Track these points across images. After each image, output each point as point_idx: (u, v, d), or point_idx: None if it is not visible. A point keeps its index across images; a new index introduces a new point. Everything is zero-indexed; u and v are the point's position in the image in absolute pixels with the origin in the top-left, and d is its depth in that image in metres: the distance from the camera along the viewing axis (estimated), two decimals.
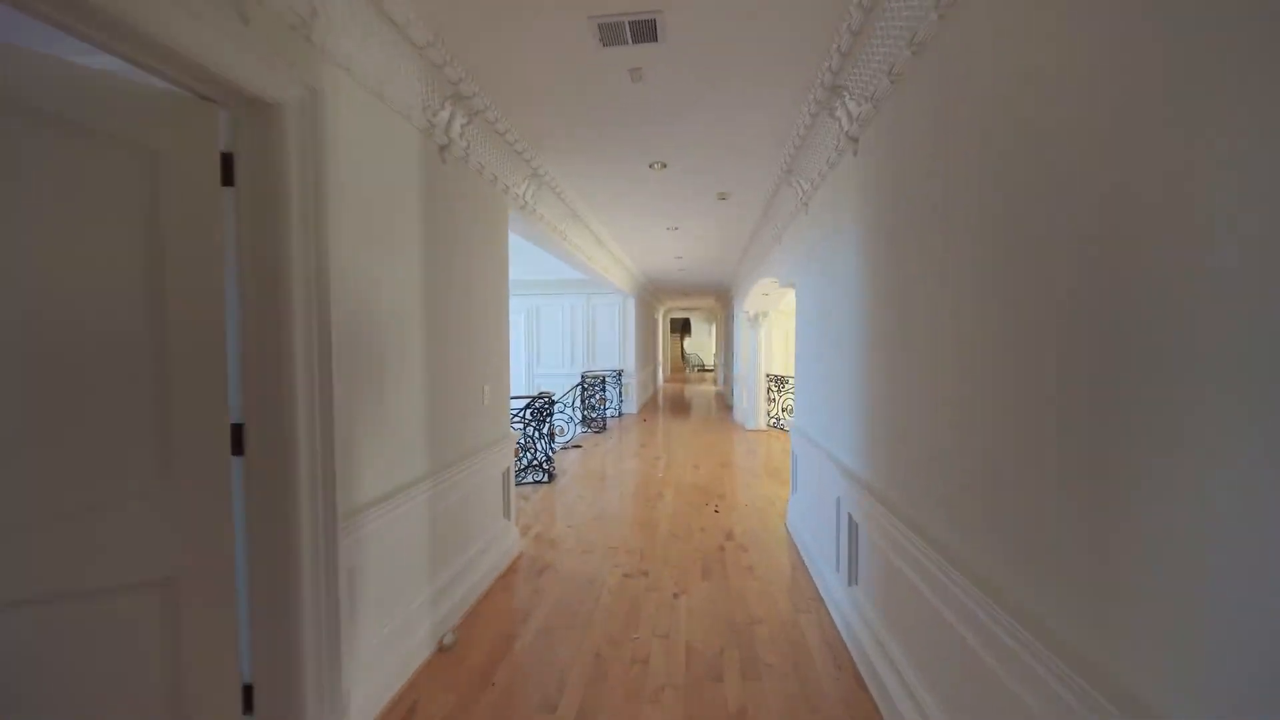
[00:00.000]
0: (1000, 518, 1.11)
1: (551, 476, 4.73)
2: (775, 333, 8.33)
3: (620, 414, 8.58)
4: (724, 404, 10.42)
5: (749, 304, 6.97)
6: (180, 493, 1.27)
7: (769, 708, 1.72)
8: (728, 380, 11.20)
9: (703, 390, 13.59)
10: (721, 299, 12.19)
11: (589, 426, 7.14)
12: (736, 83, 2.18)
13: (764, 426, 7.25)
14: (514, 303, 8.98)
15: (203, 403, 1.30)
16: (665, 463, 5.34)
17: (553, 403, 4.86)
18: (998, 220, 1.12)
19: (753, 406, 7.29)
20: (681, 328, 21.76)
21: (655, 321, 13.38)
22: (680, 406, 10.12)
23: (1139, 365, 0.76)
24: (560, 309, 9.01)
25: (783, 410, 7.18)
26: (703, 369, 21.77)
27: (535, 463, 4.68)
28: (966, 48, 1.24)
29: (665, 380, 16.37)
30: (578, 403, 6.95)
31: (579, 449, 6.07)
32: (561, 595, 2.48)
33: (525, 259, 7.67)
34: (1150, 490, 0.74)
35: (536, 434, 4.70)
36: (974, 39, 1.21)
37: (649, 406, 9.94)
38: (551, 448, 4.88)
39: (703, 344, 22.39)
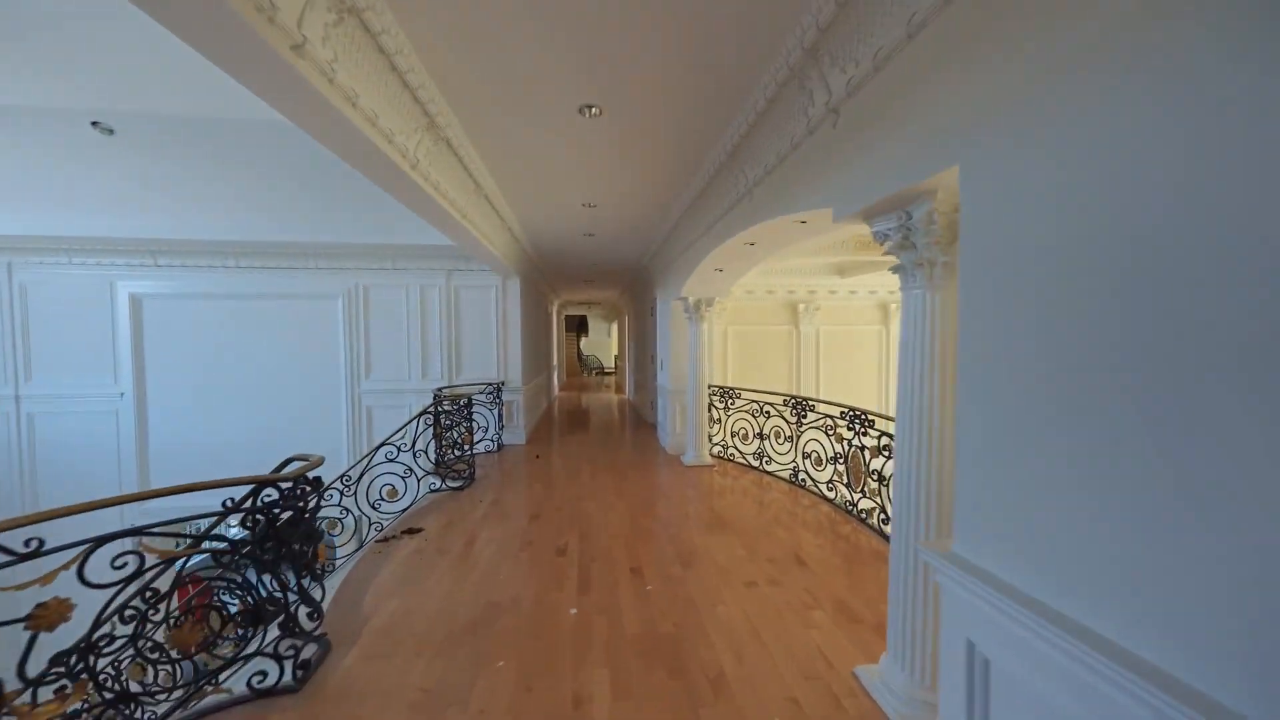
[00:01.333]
0: None
1: (301, 663, 1.94)
2: (724, 330, 6.30)
3: (500, 446, 5.86)
4: (639, 418, 8.23)
5: (690, 288, 4.81)
6: None
7: None
8: (641, 389, 9.04)
9: (606, 400, 11.28)
10: (631, 289, 10.00)
11: (446, 478, 4.36)
12: None
13: (709, 459, 5.15)
14: (319, 278, 5.73)
15: None
16: (578, 569, 2.87)
17: (304, 486, 2.06)
18: None
19: (693, 430, 5.15)
20: (578, 326, 19.23)
21: (550, 316, 10.72)
22: (585, 424, 7.67)
23: None
24: (402, 292, 5.97)
25: (731, 435, 5.17)
26: (602, 372, 19.50)
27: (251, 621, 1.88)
28: None
29: (560, 388, 13.73)
30: (425, 440, 4.14)
31: (413, 536, 3.31)
32: None
33: (341, 201, 4.67)
34: None
35: (272, 551, 1.91)
36: None
37: (542, 429, 7.31)
38: (314, 576, 2.12)
39: (601, 344, 20.13)
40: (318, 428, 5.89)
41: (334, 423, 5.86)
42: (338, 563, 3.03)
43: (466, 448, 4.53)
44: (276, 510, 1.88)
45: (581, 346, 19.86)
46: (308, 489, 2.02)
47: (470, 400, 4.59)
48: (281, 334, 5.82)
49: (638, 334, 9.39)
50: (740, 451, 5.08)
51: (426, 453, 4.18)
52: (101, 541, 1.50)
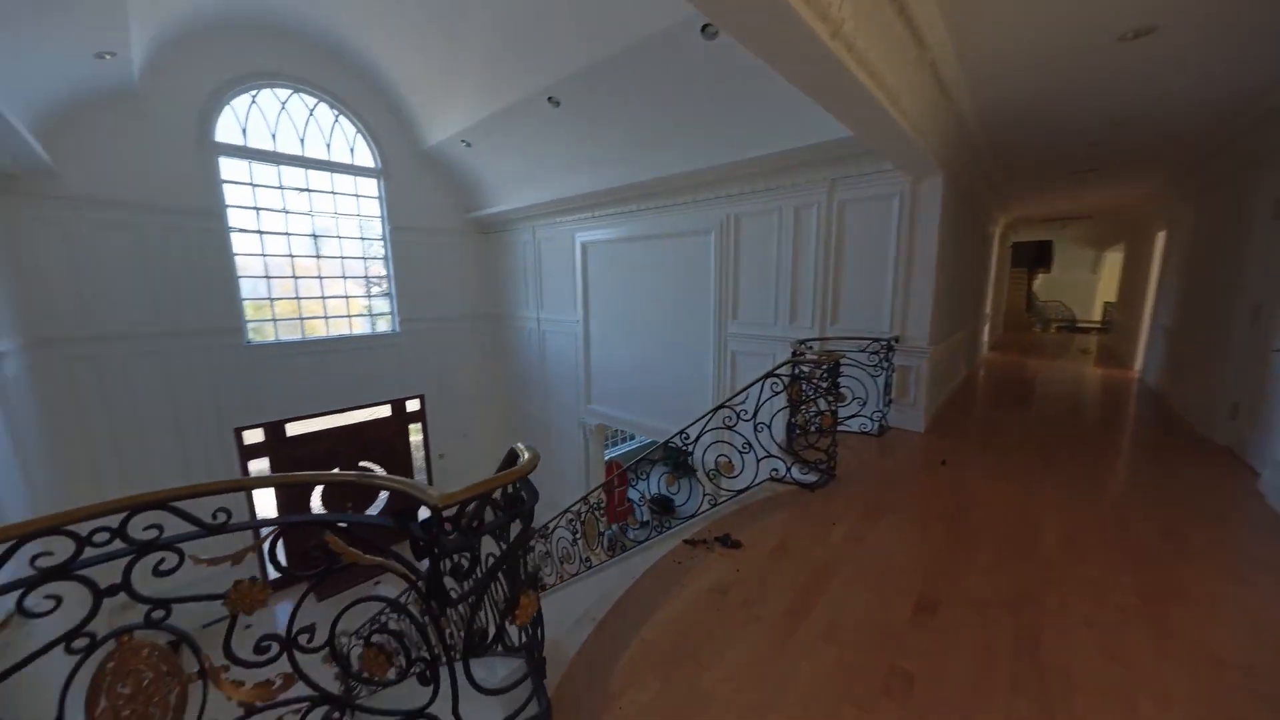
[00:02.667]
0: None
1: None
2: None
3: (883, 429, 4.13)
4: (1175, 423, 4.30)
5: None
6: None
7: None
8: (1197, 368, 4.73)
9: (1085, 376, 6.91)
10: (1192, 177, 5.26)
11: (792, 465, 3.20)
12: None
13: None
14: (695, 213, 5.41)
15: None
16: None
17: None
18: None
19: None
20: (1033, 258, 13.20)
21: (988, 241, 7.28)
22: (1040, 417, 4.65)
23: None
24: (774, 218, 4.89)
25: None
26: (1072, 326, 12.95)
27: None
28: None
29: (991, 347, 9.74)
30: (772, 410, 3.07)
31: (727, 551, 2.34)
32: None
33: (712, 124, 4.07)
34: None
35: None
36: None
37: (953, 412, 4.90)
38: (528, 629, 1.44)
39: (1071, 284, 13.24)
40: (689, 366, 5.92)
41: (702, 364, 5.72)
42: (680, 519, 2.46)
43: (824, 429, 3.15)
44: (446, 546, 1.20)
45: (1035, 288, 13.72)
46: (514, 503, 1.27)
47: (837, 363, 3.11)
48: (666, 272, 6.02)
49: (1208, 256, 4.85)
50: None
51: (770, 427, 3.10)
52: (289, 526, 1.20)
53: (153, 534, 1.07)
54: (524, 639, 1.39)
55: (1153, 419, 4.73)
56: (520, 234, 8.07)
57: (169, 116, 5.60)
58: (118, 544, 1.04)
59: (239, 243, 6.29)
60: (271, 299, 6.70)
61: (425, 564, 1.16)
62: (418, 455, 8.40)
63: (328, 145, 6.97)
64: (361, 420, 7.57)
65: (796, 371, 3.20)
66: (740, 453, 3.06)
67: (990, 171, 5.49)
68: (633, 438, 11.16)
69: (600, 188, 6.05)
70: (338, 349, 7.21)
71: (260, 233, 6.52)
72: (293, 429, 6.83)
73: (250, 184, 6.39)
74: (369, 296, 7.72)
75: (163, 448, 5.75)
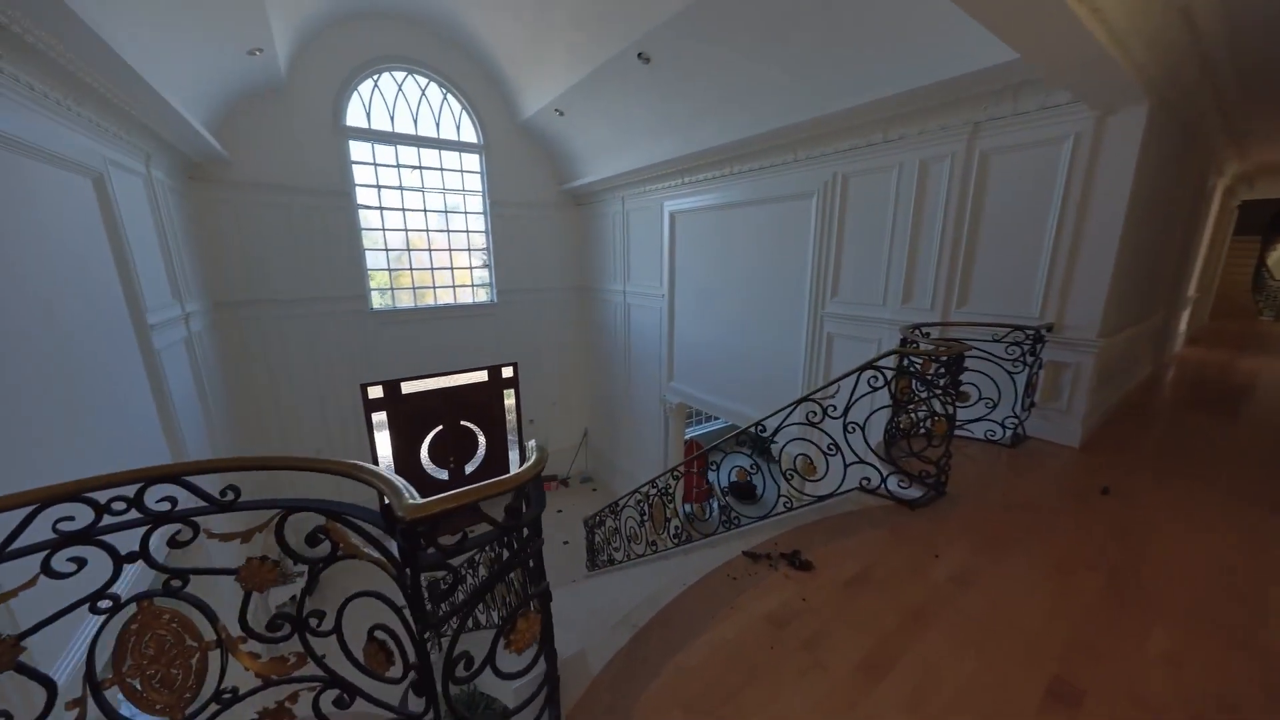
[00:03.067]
0: None
1: None
2: None
3: (1018, 438, 3.33)
4: None
5: None
6: None
7: None
8: None
9: None
10: None
11: (891, 474, 2.68)
12: None
13: None
14: (796, 174, 4.82)
15: None
16: None
17: None
18: None
19: None
20: (1270, 223, 9.94)
21: (1204, 197, 5.48)
22: (1273, 451, 3.41)
23: None
24: (891, 175, 4.10)
25: None
26: None
27: None
28: None
29: (1189, 339, 7.59)
30: (867, 409, 2.57)
31: (793, 573, 1.99)
32: None
33: (817, 68, 3.56)
34: None
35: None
36: None
37: (1128, 422, 3.80)
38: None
39: None
40: (777, 348, 5.39)
41: (792, 347, 5.16)
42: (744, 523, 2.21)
43: (936, 437, 2.57)
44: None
45: (1271, 263, 10.41)
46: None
47: (961, 356, 2.48)
48: (756, 243, 5.47)
49: None
50: None
51: (863, 428, 2.61)
52: (292, 510, 1.15)
53: (165, 506, 1.08)
54: (531, 663, 1.23)
55: None
56: (610, 204, 7.94)
57: (311, 105, 6.28)
58: (133, 513, 1.06)
59: (364, 218, 7.00)
60: (390, 269, 7.42)
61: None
62: (510, 419, 8.95)
63: (437, 124, 7.39)
64: (463, 384, 8.21)
65: (906, 364, 2.63)
66: (826, 454, 2.63)
67: (1226, 99, 4.02)
68: (716, 418, 10.80)
69: (691, 150, 5.61)
70: (444, 316, 7.82)
71: (381, 209, 7.18)
72: (406, 387, 7.62)
73: (373, 164, 7.02)
74: (471, 268, 8.22)
75: (306, 397, 6.76)
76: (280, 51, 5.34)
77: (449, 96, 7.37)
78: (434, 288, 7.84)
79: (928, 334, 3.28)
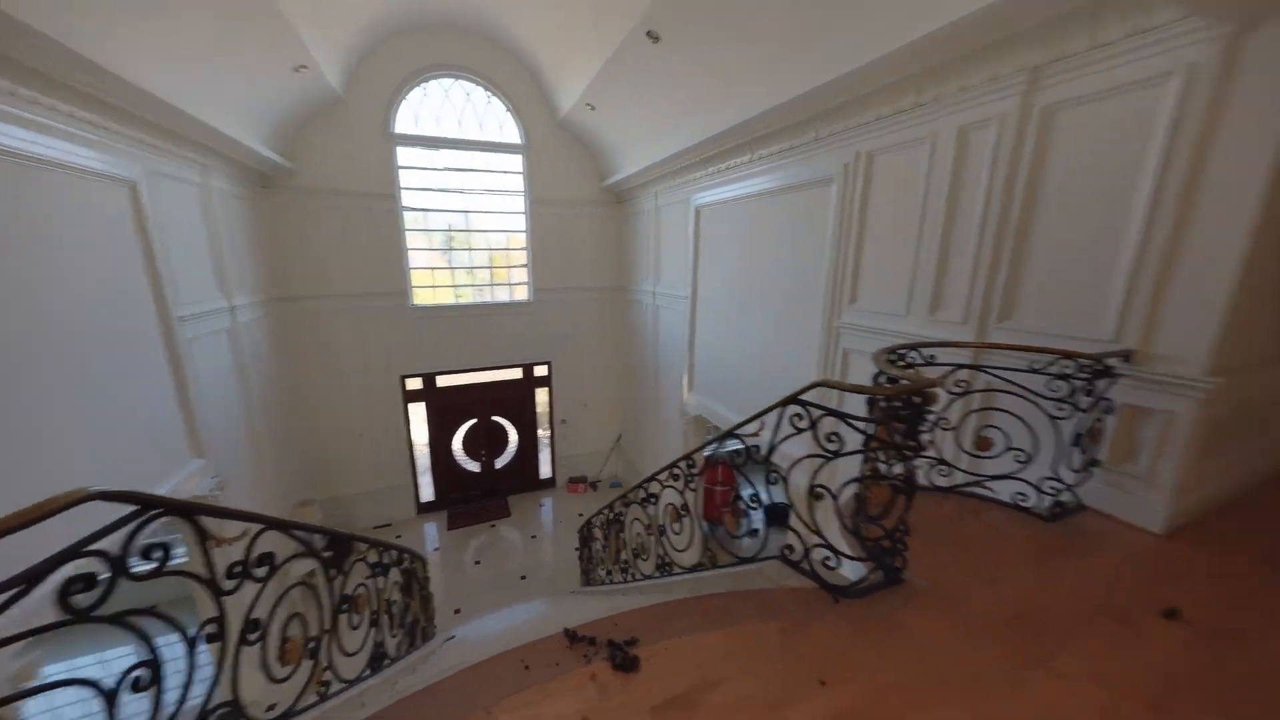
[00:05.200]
0: None
1: None
2: None
3: (1058, 511, 2.36)
4: None
5: None
6: None
7: None
8: None
9: None
10: None
11: (823, 557, 2.00)
12: None
13: None
14: (816, 156, 4.13)
15: None
16: None
17: None
18: None
19: None
20: None
21: None
22: None
23: None
24: (926, 147, 3.20)
25: None
26: None
27: None
28: None
29: None
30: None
31: (616, 675, 1.50)
32: None
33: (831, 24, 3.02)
34: None
35: None
36: None
37: (1250, 501, 2.54)
38: None
39: None
40: (787, 361, 4.62)
41: (803, 360, 4.37)
42: None
43: (877, 510, 1.83)
44: None
45: None
46: None
47: (923, 401, 1.73)
48: (773, 239, 4.73)
49: None
50: None
51: (786, 477, 1.97)
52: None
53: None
54: None
55: None
56: (644, 201, 7.55)
57: (366, 115, 6.77)
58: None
59: (409, 218, 7.42)
60: (432, 268, 7.79)
61: None
62: (542, 417, 9.00)
63: (480, 125, 7.57)
64: (497, 380, 8.40)
65: (884, 402, 1.93)
66: (748, 507, 2.05)
67: None
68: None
69: (712, 133, 5.04)
70: (481, 314, 8.05)
71: (425, 210, 7.55)
72: (442, 380, 7.98)
73: (418, 168, 7.39)
74: (509, 267, 8.35)
75: (352, 384, 7.36)
76: (330, 67, 5.77)
77: (492, 99, 7.51)
78: (473, 286, 8.10)
79: (932, 357, 2.46)
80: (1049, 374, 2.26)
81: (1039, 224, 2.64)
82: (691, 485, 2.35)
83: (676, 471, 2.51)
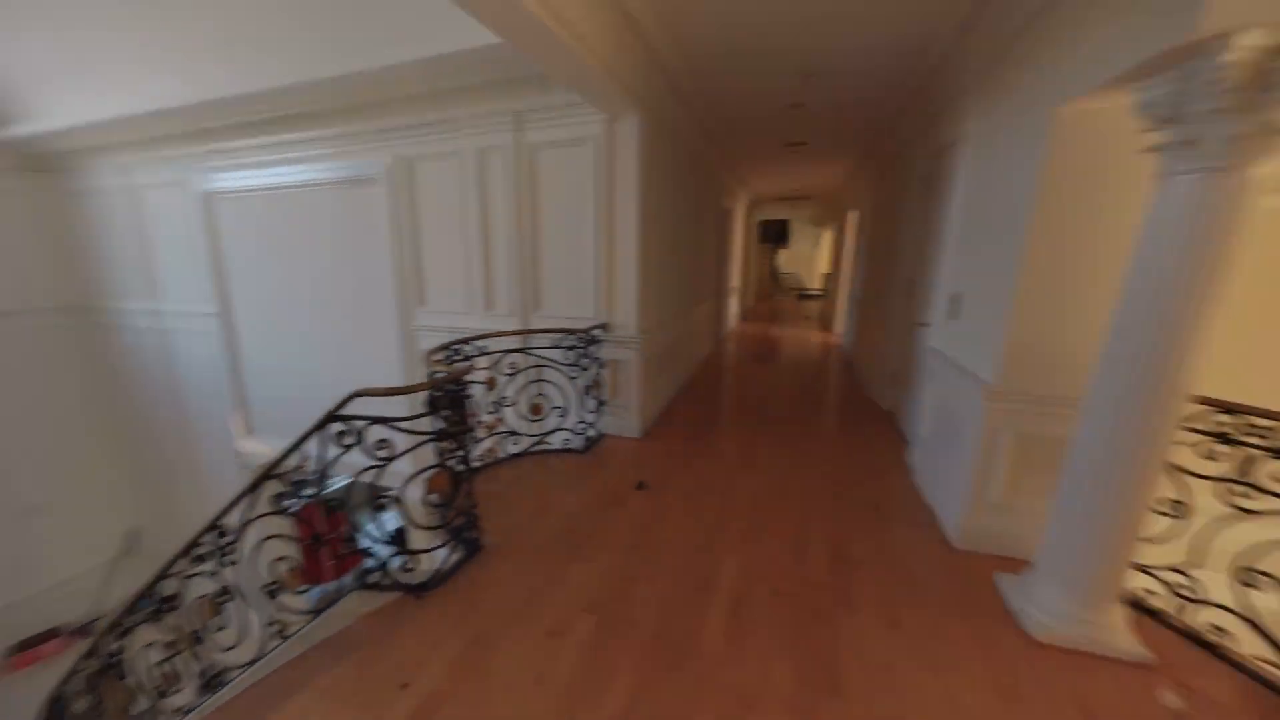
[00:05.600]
0: None
1: None
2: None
3: (591, 440, 3.30)
4: (856, 391, 4.65)
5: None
6: None
7: None
8: (868, 336, 5.21)
9: (804, 344, 7.66)
10: (881, 149, 5.76)
11: (401, 562, 2.01)
12: None
13: (1117, 626, 1.56)
14: (355, 152, 3.76)
15: None
16: None
17: None
18: None
19: (1093, 518, 1.57)
20: (776, 235, 14.98)
21: (725, 212, 7.27)
22: (760, 397, 4.55)
23: None
24: (455, 163, 3.56)
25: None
26: (803, 294, 15.24)
27: None
28: None
29: (742, 318, 10.47)
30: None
31: None
32: None
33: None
34: None
35: None
36: None
37: (681, 405, 4.46)
38: None
39: (806, 257, 15.56)
40: (371, 376, 4.29)
41: (390, 370, 4.15)
42: None
43: (439, 496, 2.01)
44: None
45: (778, 263, 15.74)
46: None
47: (459, 386, 1.97)
48: (329, 242, 4.20)
49: (881, 233, 5.28)
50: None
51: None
52: None
53: None
54: None
55: (843, 380, 5.16)
56: (100, 175, 5.03)
57: None
58: None
59: None
60: None
61: None
62: None
63: None
64: None
65: (434, 393, 1.96)
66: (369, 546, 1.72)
67: (706, 123, 4.93)
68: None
69: (207, 98, 3.79)
70: None
71: None
72: None
73: None
74: None
75: None
76: None
77: None
78: None
79: (483, 348, 2.82)
80: (565, 347, 3.03)
81: (546, 235, 3.45)
82: (230, 559, 1.82)
83: (201, 551, 1.87)
